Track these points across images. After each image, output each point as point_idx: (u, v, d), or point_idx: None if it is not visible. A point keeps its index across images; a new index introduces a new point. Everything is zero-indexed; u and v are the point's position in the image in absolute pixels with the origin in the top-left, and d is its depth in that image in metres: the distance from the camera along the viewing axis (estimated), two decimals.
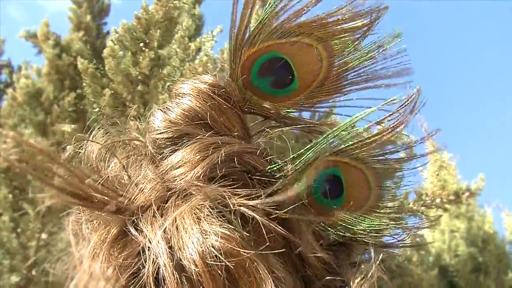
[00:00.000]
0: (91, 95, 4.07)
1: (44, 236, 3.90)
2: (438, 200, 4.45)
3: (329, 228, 0.52)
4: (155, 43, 4.05)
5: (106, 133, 0.56)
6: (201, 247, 0.41)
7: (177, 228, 0.42)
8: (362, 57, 0.57)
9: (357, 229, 0.52)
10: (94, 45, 4.90)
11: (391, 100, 0.54)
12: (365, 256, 0.53)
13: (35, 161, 0.43)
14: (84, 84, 4.11)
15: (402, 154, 0.58)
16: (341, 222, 0.52)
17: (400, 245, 0.55)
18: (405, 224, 0.56)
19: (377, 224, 0.53)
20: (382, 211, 0.56)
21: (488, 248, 7.34)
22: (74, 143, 0.55)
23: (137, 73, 3.92)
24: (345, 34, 0.57)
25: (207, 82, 0.54)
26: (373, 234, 0.53)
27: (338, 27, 0.56)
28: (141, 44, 4.04)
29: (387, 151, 0.55)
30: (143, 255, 0.43)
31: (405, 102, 0.53)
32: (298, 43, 0.56)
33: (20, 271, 4.01)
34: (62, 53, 4.59)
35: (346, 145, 0.51)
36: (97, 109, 4.12)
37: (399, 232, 0.55)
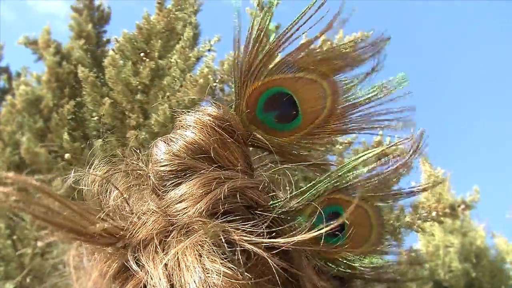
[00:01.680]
0: (90, 103, 4.08)
1: (39, 244, 3.88)
2: (434, 213, 4.46)
3: (330, 264, 0.52)
4: (156, 53, 4.06)
5: (107, 162, 0.56)
6: (203, 286, 0.40)
7: (178, 265, 0.42)
8: (367, 97, 0.57)
9: (358, 266, 0.52)
10: (95, 53, 4.92)
11: (395, 144, 0.54)
12: None
13: (33, 199, 0.43)
14: (84, 93, 4.11)
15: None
16: (342, 259, 0.52)
17: (402, 280, 0.55)
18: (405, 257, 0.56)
19: (377, 261, 0.53)
20: (384, 248, 0.56)
21: (481, 264, 7.34)
22: (75, 172, 0.54)
23: (137, 82, 3.93)
24: (348, 69, 0.57)
25: (211, 115, 0.54)
26: (373, 270, 0.53)
27: (341, 62, 0.57)
28: (142, 54, 4.05)
29: (389, 191, 0.55)
30: None
31: (409, 144, 0.54)
32: (303, 79, 0.56)
33: (15, 278, 3.98)
34: (63, 61, 4.60)
35: (349, 184, 0.51)
36: (96, 118, 4.12)
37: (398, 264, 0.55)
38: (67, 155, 3.84)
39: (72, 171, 0.54)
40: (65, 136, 3.98)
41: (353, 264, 0.52)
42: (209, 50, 4.66)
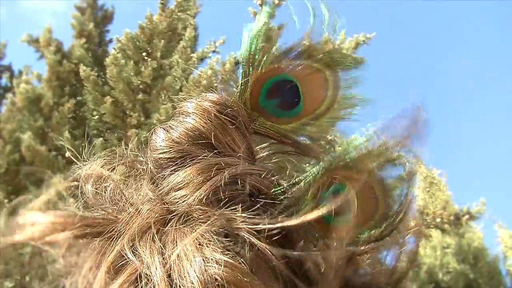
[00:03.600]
0: (91, 102, 4.08)
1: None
2: (438, 220, 4.47)
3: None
4: (158, 53, 4.07)
5: (105, 154, 0.55)
6: (203, 276, 0.39)
7: (178, 255, 0.40)
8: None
9: (365, 240, 0.50)
10: (96, 52, 4.92)
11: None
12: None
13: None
14: (85, 91, 4.12)
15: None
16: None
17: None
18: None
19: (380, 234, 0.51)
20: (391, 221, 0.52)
21: (479, 265, 7.33)
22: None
23: (139, 82, 3.93)
24: (349, 64, 0.57)
25: (213, 101, 0.52)
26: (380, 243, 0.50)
27: (342, 57, 0.57)
28: (144, 54, 4.05)
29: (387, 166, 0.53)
30: (140, 282, 0.40)
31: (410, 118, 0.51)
32: (307, 67, 0.55)
33: (14, 276, 3.99)
34: (63, 59, 4.61)
35: (351, 159, 0.49)
36: (97, 117, 4.13)
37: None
38: (67, 154, 3.84)
39: (72, 167, 0.53)
40: (66, 134, 3.98)
41: (360, 239, 0.50)
42: (213, 51, 4.66)
